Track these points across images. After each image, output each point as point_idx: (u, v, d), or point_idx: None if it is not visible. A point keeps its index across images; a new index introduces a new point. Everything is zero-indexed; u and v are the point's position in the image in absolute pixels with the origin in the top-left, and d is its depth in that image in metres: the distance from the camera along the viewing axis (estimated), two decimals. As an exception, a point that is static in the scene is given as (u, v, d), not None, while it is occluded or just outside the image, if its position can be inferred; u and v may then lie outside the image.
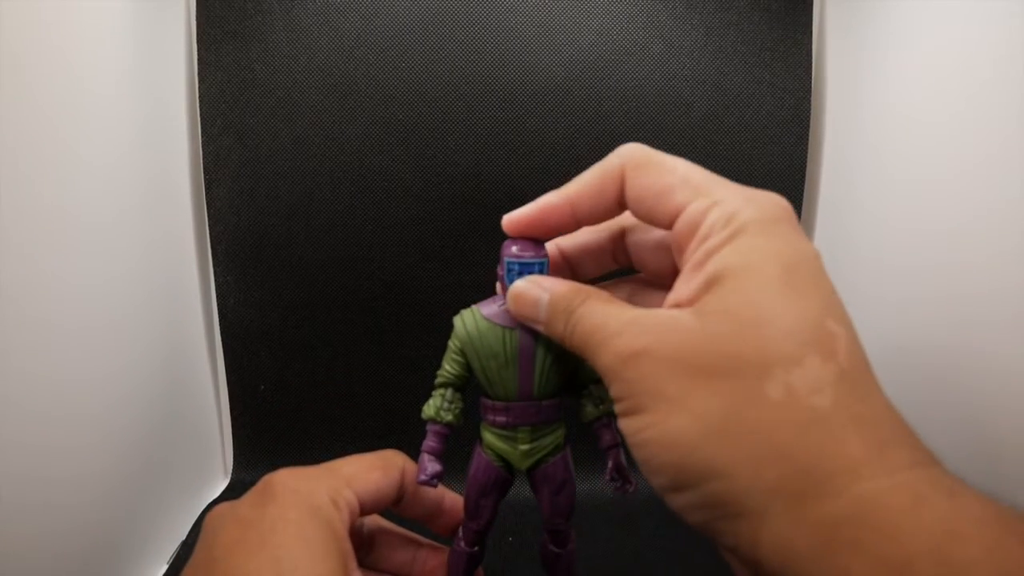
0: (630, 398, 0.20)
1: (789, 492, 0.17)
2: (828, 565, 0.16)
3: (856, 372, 0.19)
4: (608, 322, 0.21)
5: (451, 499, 0.31)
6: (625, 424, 0.20)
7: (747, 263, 0.19)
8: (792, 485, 0.17)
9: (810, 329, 0.19)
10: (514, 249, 0.26)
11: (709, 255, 0.20)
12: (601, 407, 0.27)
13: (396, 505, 0.30)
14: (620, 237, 0.27)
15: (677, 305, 0.21)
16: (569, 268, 0.28)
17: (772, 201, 0.21)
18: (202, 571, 0.23)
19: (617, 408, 0.21)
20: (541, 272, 0.26)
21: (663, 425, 0.19)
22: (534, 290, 0.24)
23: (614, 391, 0.21)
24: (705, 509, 0.19)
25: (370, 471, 0.28)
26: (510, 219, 0.26)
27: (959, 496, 0.17)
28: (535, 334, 0.26)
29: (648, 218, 0.23)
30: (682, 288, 0.21)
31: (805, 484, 0.17)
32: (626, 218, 0.26)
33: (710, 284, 0.20)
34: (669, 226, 0.22)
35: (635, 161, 0.23)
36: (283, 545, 0.23)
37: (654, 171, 0.22)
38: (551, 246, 0.27)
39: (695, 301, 0.20)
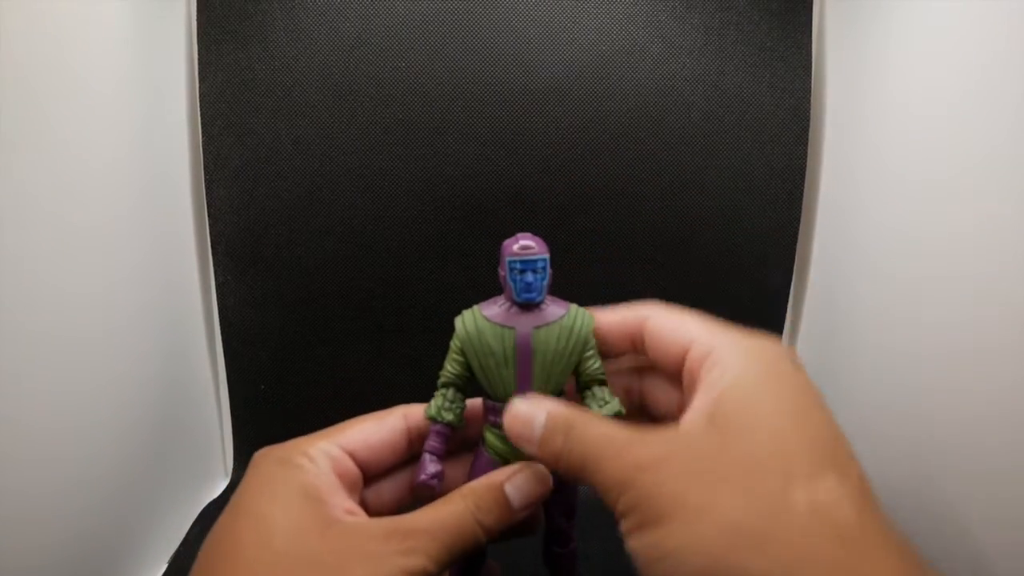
0: (646, 508, 0.19)
1: None
2: None
3: (872, 499, 0.19)
4: (616, 436, 0.21)
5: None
6: (641, 537, 0.19)
7: (758, 386, 0.20)
8: None
9: (826, 449, 0.19)
10: (515, 248, 0.26)
11: (721, 378, 0.21)
12: (604, 408, 0.27)
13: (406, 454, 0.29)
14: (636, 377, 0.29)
15: (691, 420, 0.21)
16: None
17: (774, 341, 0.23)
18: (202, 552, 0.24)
19: (628, 523, 0.20)
20: (544, 269, 0.26)
21: (687, 533, 0.18)
22: (528, 409, 0.24)
23: (625, 503, 0.20)
24: None
25: (359, 422, 0.28)
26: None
27: None
28: (533, 334, 0.26)
29: (663, 353, 0.25)
30: (694, 409, 0.21)
31: None
32: (642, 361, 0.28)
33: (722, 402, 0.20)
34: (681, 361, 0.24)
35: (656, 306, 0.26)
36: (241, 502, 0.24)
37: (673, 312, 0.25)
38: None
39: (707, 418, 0.20)
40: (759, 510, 0.18)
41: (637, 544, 0.20)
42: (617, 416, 0.27)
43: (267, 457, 0.26)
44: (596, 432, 0.22)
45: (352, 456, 0.27)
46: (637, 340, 0.26)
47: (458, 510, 0.24)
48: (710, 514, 0.18)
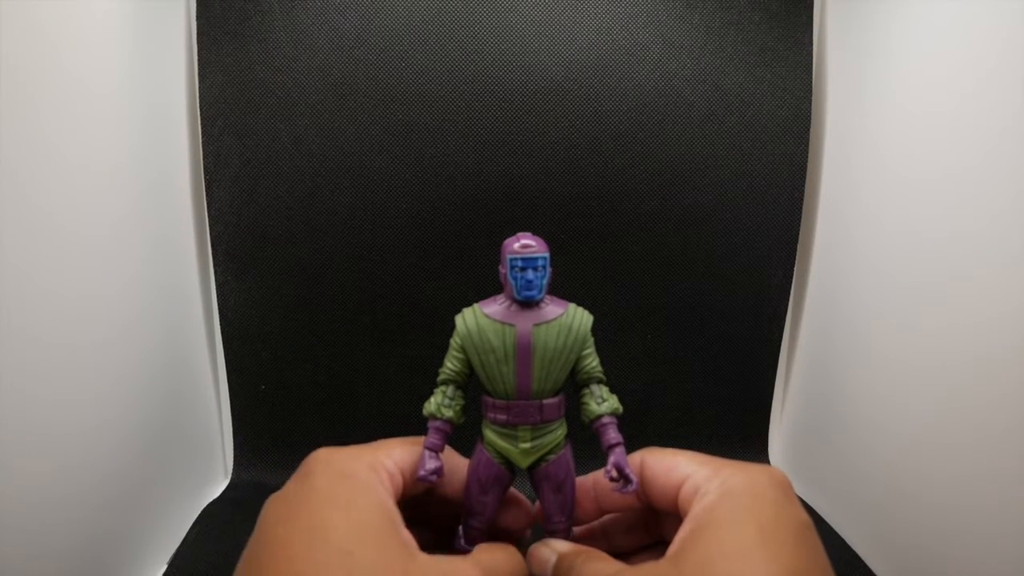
0: None
1: None
2: None
3: None
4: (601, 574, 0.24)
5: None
6: None
7: (729, 518, 0.22)
8: None
9: None
10: (516, 246, 0.26)
11: (704, 511, 0.23)
12: (603, 406, 0.27)
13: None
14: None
15: (671, 553, 0.23)
16: (605, 538, 0.31)
17: (767, 472, 0.25)
18: (251, 551, 0.23)
19: None
20: (544, 267, 0.26)
21: None
22: (545, 552, 0.28)
23: None
24: None
25: (404, 444, 0.28)
26: None
27: None
28: (534, 331, 0.26)
29: (660, 494, 0.27)
30: (677, 537, 0.24)
31: None
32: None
33: (694, 533, 0.23)
34: (676, 498, 0.26)
35: (650, 450, 0.28)
36: (314, 512, 0.23)
37: (667, 453, 0.27)
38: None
39: (680, 554, 0.23)
40: None
41: None
42: (614, 414, 0.27)
43: (329, 466, 0.25)
44: (589, 573, 0.25)
45: (402, 476, 0.27)
46: (640, 490, 0.28)
47: None
48: None
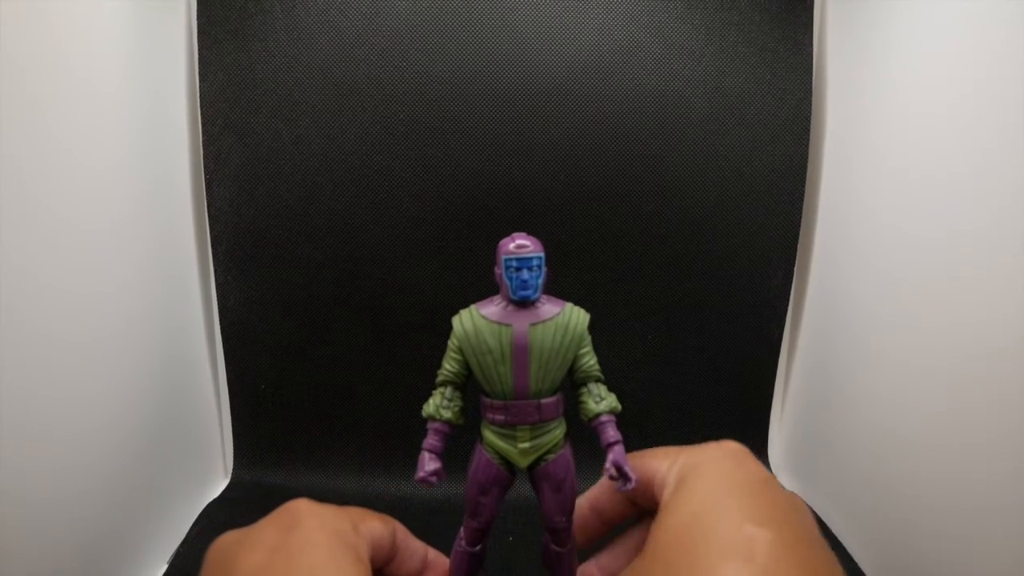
0: None
1: None
2: None
3: (780, 566, 0.20)
4: None
5: (434, 553, 0.31)
6: None
7: (687, 492, 0.24)
8: None
9: (729, 536, 0.21)
10: (511, 246, 0.26)
11: (666, 498, 0.25)
12: (601, 404, 0.27)
13: (387, 565, 0.29)
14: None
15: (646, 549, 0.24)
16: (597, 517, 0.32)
17: (720, 446, 0.26)
18: None
19: None
20: (539, 267, 0.26)
21: None
22: None
23: None
24: None
25: (372, 517, 0.28)
26: None
27: None
28: (530, 331, 0.26)
29: (643, 497, 0.27)
30: (648, 540, 0.25)
31: None
32: None
33: (658, 523, 0.24)
34: (657, 499, 0.26)
35: (619, 454, 0.28)
36: (313, 568, 0.23)
37: (637, 457, 0.27)
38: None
39: (649, 540, 0.24)
40: None
41: None
42: (613, 412, 0.28)
43: (322, 519, 0.25)
44: None
45: (371, 543, 0.27)
46: (632, 497, 0.28)
47: None
48: None
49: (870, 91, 0.45)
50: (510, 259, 0.26)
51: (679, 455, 0.26)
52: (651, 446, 0.29)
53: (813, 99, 0.50)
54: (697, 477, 0.24)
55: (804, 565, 0.21)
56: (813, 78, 0.49)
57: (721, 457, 0.25)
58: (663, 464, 0.26)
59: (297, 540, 0.24)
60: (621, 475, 0.27)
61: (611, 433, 0.27)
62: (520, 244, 0.26)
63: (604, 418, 0.27)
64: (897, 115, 0.42)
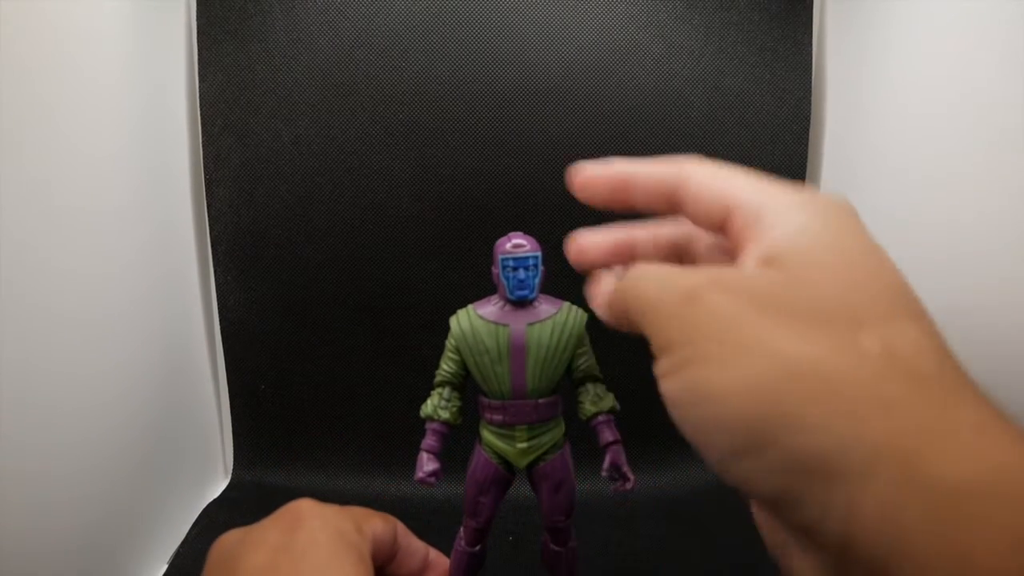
0: (688, 344, 0.16)
1: (901, 449, 0.14)
2: (945, 542, 0.13)
3: (950, 351, 0.16)
4: (669, 270, 0.19)
5: (435, 554, 0.31)
6: (677, 379, 0.17)
7: (819, 235, 0.18)
8: (905, 441, 0.14)
9: (901, 297, 0.17)
10: (508, 246, 0.27)
11: (773, 228, 0.18)
12: (599, 404, 0.27)
13: (388, 564, 0.29)
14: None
15: (749, 261, 0.18)
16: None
17: (834, 196, 0.20)
18: None
19: (664, 363, 0.17)
20: (536, 267, 0.26)
21: (734, 373, 0.15)
22: (602, 287, 0.24)
23: (661, 340, 0.17)
24: (784, 474, 0.15)
25: (374, 516, 0.28)
26: (586, 175, 0.25)
27: None
28: (526, 331, 0.26)
29: (705, 217, 0.21)
30: (747, 255, 0.18)
31: (921, 441, 0.14)
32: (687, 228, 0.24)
33: (778, 248, 0.17)
34: (725, 218, 0.20)
35: (696, 161, 0.22)
36: (318, 568, 0.23)
37: (718, 170, 0.21)
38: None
39: (764, 261, 0.18)
40: (823, 352, 0.15)
41: (673, 386, 0.17)
42: (611, 412, 0.28)
43: (325, 520, 0.25)
44: (654, 272, 0.19)
45: (372, 542, 0.27)
46: (674, 201, 0.22)
47: None
48: (764, 353, 0.15)
49: (869, 91, 0.45)
50: (507, 259, 0.26)
51: (795, 196, 0.19)
52: (651, 446, 0.28)
53: (813, 99, 0.50)
54: (839, 210, 0.19)
55: (956, 357, 0.17)
56: (813, 78, 0.49)
57: (848, 205, 0.19)
58: (761, 197, 0.19)
59: (300, 540, 0.24)
60: (620, 475, 0.27)
61: (608, 434, 0.27)
62: (517, 244, 0.27)
63: (602, 418, 0.27)
64: (897, 115, 0.42)
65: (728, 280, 0.17)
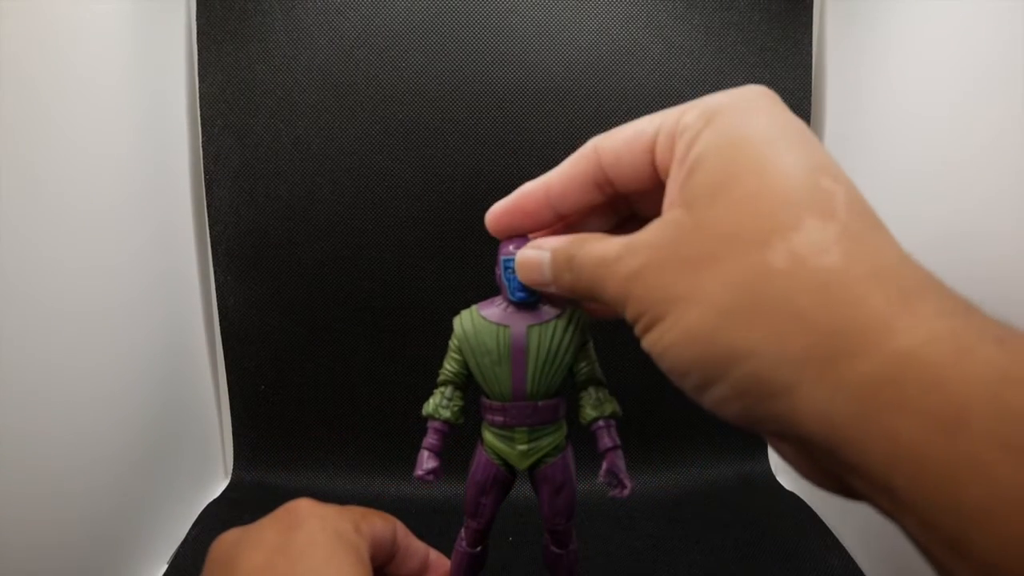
0: (646, 313, 0.19)
1: (818, 358, 0.16)
2: (873, 428, 0.15)
3: (862, 227, 0.18)
4: (606, 254, 0.21)
5: (436, 554, 0.31)
6: (647, 340, 0.20)
7: (726, 140, 0.19)
8: (819, 350, 0.16)
9: (802, 191, 0.18)
10: (511, 248, 0.26)
11: (689, 147, 0.19)
12: (598, 409, 0.27)
13: (387, 564, 0.29)
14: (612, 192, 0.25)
15: (670, 205, 0.20)
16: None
17: (749, 87, 0.20)
18: None
19: (637, 329, 0.20)
20: None
21: (680, 323, 0.18)
22: (535, 253, 0.25)
23: (629, 313, 0.20)
24: (739, 398, 0.18)
25: (373, 515, 0.28)
26: (491, 213, 0.26)
27: (1010, 341, 0.15)
28: (528, 332, 0.26)
29: (630, 170, 0.22)
30: (671, 188, 0.20)
31: (833, 347, 0.16)
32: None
33: (693, 171, 0.19)
34: (651, 165, 0.22)
35: (605, 133, 0.24)
36: (315, 569, 0.23)
37: (625, 127, 0.23)
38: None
39: (681, 203, 0.19)
40: (740, 283, 0.17)
41: (645, 345, 0.20)
42: (612, 417, 0.27)
43: (324, 520, 0.25)
44: (590, 259, 0.22)
45: (371, 542, 0.27)
46: (601, 180, 0.24)
47: None
48: (695, 302, 0.18)
49: (870, 91, 0.45)
50: (508, 260, 0.26)
51: (687, 106, 0.20)
52: (652, 449, 0.28)
53: (813, 99, 0.50)
54: (734, 117, 0.19)
55: (881, 227, 0.19)
56: (813, 78, 0.49)
57: (756, 97, 0.20)
58: (668, 117, 0.21)
59: (299, 540, 0.24)
60: (616, 482, 0.27)
61: (606, 439, 0.27)
62: (518, 245, 0.26)
63: (601, 423, 0.27)
64: (896, 114, 0.42)
65: (655, 252, 0.19)
